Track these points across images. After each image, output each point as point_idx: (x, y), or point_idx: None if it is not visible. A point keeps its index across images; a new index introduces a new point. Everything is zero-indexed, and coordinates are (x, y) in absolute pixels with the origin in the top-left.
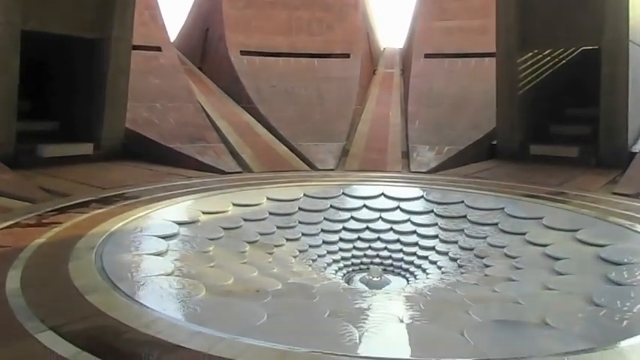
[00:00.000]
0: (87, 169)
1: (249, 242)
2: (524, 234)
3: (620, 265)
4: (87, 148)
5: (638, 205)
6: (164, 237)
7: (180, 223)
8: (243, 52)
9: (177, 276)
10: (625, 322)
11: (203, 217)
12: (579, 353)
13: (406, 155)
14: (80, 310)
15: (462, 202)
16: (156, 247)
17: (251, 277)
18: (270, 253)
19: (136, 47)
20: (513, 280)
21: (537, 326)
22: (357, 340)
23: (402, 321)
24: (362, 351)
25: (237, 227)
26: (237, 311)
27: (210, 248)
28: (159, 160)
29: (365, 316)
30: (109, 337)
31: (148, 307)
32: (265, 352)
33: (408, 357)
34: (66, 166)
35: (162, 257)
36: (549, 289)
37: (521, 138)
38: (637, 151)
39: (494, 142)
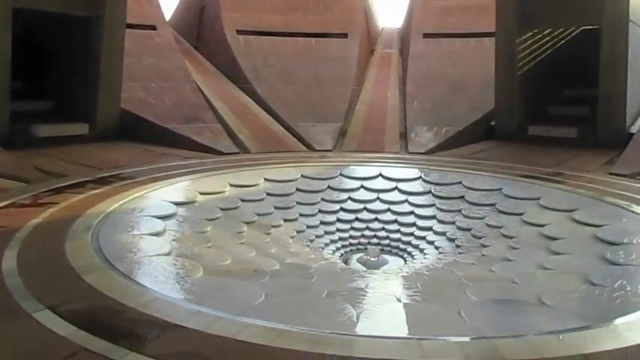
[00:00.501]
0: (82, 150)
1: (246, 223)
2: (521, 214)
3: (616, 245)
4: (82, 128)
5: (634, 186)
6: (161, 217)
7: (177, 204)
8: (240, 32)
9: (175, 256)
10: (620, 301)
11: (200, 198)
12: (574, 331)
13: (404, 136)
14: (77, 290)
15: (460, 182)
16: (153, 228)
17: (249, 257)
18: (268, 234)
19: (130, 26)
20: (510, 260)
21: (533, 305)
22: (355, 320)
23: (399, 300)
24: (360, 330)
25: (234, 208)
26: (235, 291)
27: (208, 229)
28: (155, 140)
29: (362, 296)
30: (107, 316)
31: (145, 287)
32: (263, 331)
33: (406, 336)
34: (61, 146)
35: (160, 237)
36: (546, 268)
37: (519, 119)
38: (635, 132)
39: (493, 123)
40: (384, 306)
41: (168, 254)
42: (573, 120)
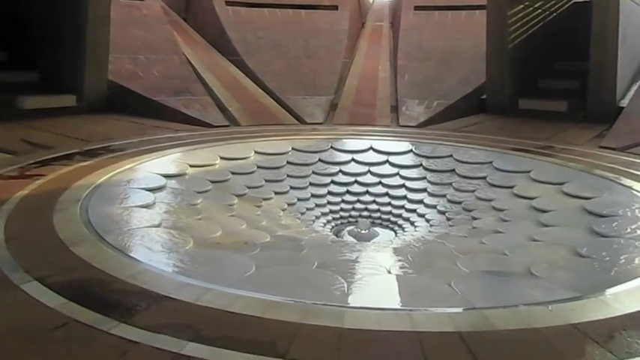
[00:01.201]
0: (70, 122)
1: (237, 195)
2: (511, 187)
3: (604, 217)
4: (69, 100)
5: (623, 159)
6: (151, 190)
7: (167, 176)
8: (229, 3)
9: (165, 228)
10: (608, 272)
11: (190, 170)
12: (563, 302)
13: (395, 109)
14: (66, 262)
15: (451, 155)
16: (143, 200)
17: (239, 229)
18: (259, 206)
19: None
20: (500, 233)
21: (523, 276)
22: (346, 291)
23: (390, 272)
24: (350, 301)
25: (225, 180)
26: (226, 263)
27: (198, 201)
28: (143, 113)
29: (353, 268)
30: (96, 288)
31: (135, 259)
32: (254, 303)
33: (397, 307)
34: (48, 118)
35: (150, 210)
36: (535, 240)
37: (510, 92)
38: (624, 105)
39: (484, 97)
40: (374, 278)
41: (158, 226)
42: (564, 93)
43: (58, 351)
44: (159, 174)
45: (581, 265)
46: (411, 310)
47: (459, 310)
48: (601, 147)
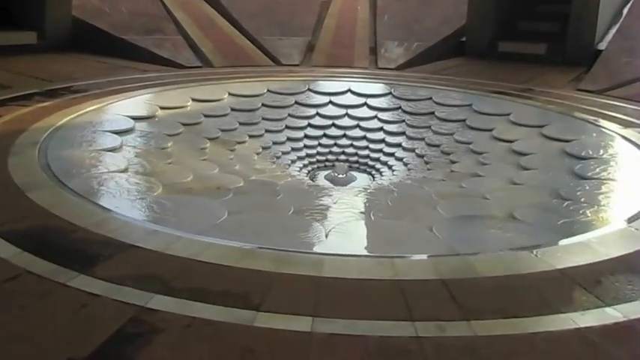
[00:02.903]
0: (30, 60)
1: (209, 139)
2: (491, 130)
3: (584, 159)
4: (30, 37)
5: (601, 101)
6: (117, 132)
7: (135, 118)
8: None
9: (132, 173)
10: (590, 215)
11: (160, 113)
12: (548, 247)
13: (374, 51)
14: (21, 209)
15: (430, 98)
16: (108, 143)
17: (211, 174)
18: (232, 150)
19: None
20: (480, 176)
21: (504, 220)
22: (324, 238)
23: (369, 217)
24: (329, 248)
25: (197, 123)
26: (197, 209)
27: (169, 144)
28: (111, 52)
29: (331, 214)
30: (55, 236)
31: (98, 205)
32: (226, 251)
33: (378, 254)
34: (6, 56)
35: (116, 153)
36: (515, 184)
37: (490, 35)
38: (603, 48)
39: (464, 39)
40: (353, 223)
41: (124, 171)
42: (543, 36)
43: (8, 305)
44: (126, 116)
45: (563, 208)
46: (392, 257)
47: (442, 256)
48: (579, 90)
